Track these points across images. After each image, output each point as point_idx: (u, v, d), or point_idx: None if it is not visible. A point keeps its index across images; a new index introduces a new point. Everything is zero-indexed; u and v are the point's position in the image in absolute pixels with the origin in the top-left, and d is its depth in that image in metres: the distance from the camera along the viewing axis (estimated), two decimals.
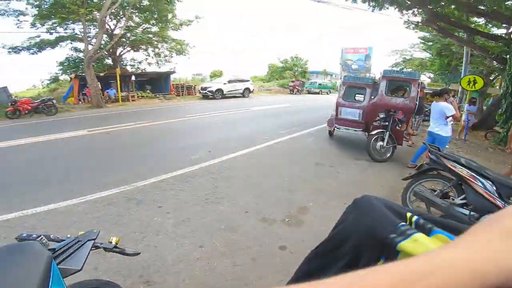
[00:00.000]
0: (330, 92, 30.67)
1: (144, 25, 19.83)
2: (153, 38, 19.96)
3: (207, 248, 2.49)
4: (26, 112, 11.08)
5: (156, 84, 20.76)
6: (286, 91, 29.71)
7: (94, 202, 3.29)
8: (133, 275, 2.11)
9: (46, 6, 15.70)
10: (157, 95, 19.29)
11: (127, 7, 16.66)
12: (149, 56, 21.62)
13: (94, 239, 1.11)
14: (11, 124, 9.64)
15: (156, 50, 21.24)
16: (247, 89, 20.92)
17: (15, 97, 13.64)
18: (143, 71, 21.43)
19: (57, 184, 3.90)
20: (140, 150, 5.84)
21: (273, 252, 2.48)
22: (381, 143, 5.54)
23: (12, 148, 6.09)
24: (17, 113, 10.97)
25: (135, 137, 7.31)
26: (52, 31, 17.36)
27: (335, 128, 6.68)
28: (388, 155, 5.61)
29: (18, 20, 15.98)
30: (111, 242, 1.15)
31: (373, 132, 5.59)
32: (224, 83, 19.48)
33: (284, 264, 2.30)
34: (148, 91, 19.47)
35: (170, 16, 19.29)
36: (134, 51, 21.24)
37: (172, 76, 22.36)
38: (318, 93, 29.85)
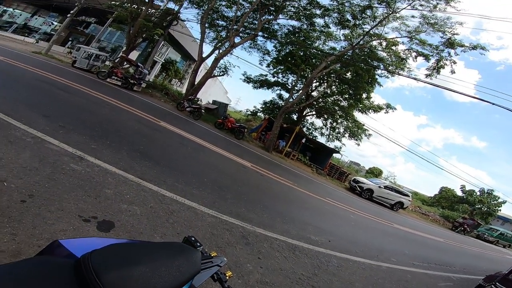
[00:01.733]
0: (510, 247, 23.92)
1: (337, 96, 21.26)
2: (338, 112, 21.01)
3: None
4: (227, 128, 14.97)
5: (316, 154, 22.01)
6: (447, 225, 24.17)
7: (221, 221, 3.76)
8: None
9: (283, 53, 20.30)
10: (312, 165, 20.28)
11: (333, 75, 18.93)
12: (325, 126, 23.33)
13: (220, 267, 1.16)
14: (214, 132, 13.36)
15: (334, 124, 22.46)
16: (400, 203, 18.28)
17: (228, 114, 18.77)
18: (314, 138, 23.41)
19: (211, 191, 4.76)
20: (276, 202, 6.37)
21: None
22: None
23: (200, 146, 8.33)
24: (221, 126, 15.04)
25: (278, 190, 8.05)
26: (275, 75, 22.39)
27: (493, 287, 5.48)
28: None
29: (263, 57, 21.48)
30: (225, 275, 1.17)
31: None
32: (380, 186, 18.00)
33: None
34: (307, 157, 20.99)
35: (364, 96, 19.78)
36: (317, 117, 23.38)
37: (334, 155, 23.05)
38: (491, 243, 23.44)
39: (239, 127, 15.14)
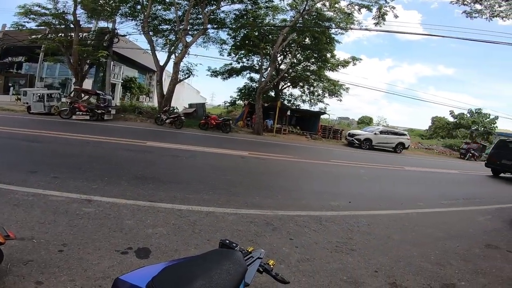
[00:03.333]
0: None
1: (304, 62, 21.75)
2: (310, 76, 21.33)
3: None
4: (212, 126, 14.82)
5: (305, 122, 22.23)
6: (454, 154, 24.39)
7: (241, 216, 3.78)
8: None
9: (238, 38, 20.34)
10: (305, 133, 20.55)
11: (293, 45, 19.21)
12: (304, 93, 23.59)
13: (261, 259, 1.18)
14: (201, 134, 13.23)
15: (311, 88, 22.76)
16: (401, 144, 18.82)
17: (208, 113, 18.47)
18: (297, 107, 23.60)
19: (221, 190, 4.77)
20: (285, 181, 6.44)
21: None
22: None
23: (194, 152, 8.31)
24: (205, 126, 14.87)
25: (283, 168, 8.14)
26: (239, 60, 22.27)
27: None
28: None
29: (221, 48, 21.12)
30: (268, 264, 1.19)
31: None
32: (375, 133, 18.41)
33: None
34: (298, 127, 21.19)
35: (329, 55, 20.36)
36: (293, 87, 23.68)
37: (321, 117, 23.41)
38: None
39: (223, 121, 15.07)
